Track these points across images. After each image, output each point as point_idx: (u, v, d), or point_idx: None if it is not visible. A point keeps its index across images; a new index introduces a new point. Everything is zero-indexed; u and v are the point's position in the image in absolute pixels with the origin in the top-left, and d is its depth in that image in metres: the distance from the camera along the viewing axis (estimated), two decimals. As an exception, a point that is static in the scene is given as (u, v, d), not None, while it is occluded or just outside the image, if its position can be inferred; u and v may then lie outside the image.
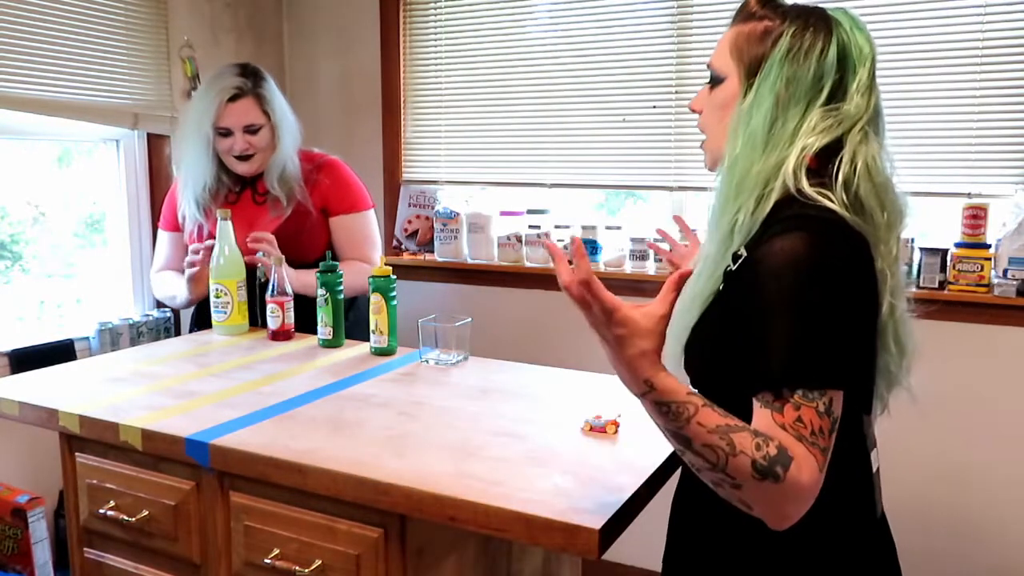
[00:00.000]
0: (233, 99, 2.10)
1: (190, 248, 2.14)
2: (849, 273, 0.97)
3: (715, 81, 1.12)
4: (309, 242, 2.21)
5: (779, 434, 0.93)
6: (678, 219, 1.64)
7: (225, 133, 2.13)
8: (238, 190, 2.24)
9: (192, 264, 2.11)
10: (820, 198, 0.99)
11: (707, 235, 1.10)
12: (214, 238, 2.10)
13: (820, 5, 1.09)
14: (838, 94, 1.03)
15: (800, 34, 1.03)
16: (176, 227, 2.29)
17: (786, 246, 0.96)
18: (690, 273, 1.02)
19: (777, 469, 0.91)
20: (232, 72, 2.14)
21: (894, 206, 1.05)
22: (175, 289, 2.23)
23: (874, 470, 1.13)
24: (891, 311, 1.05)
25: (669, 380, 0.94)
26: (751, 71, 1.06)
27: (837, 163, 1.02)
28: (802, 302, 0.94)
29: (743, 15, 1.10)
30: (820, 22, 1.04)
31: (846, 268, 0.97)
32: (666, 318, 0.95)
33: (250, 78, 2.13)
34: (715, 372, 1.07)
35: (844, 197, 1.01)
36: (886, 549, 1.14)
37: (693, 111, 1.17)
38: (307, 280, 2.08)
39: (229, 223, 2.05)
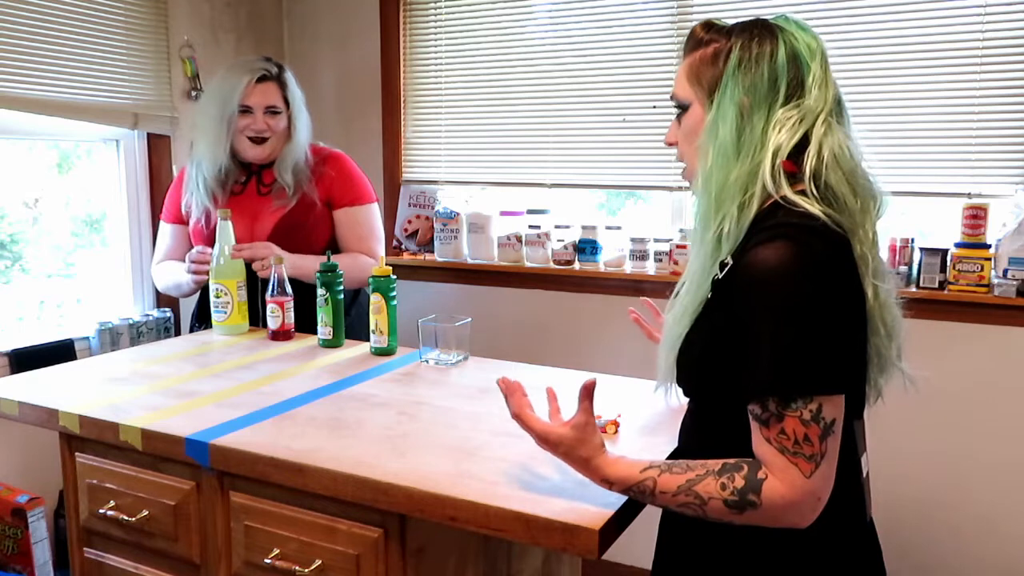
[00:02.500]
0: (260, 80, 2.17)
1: (188, 257, 2.15)
2: (831, 280, 0.98)
3: (681, 110, 1.14)
4: (312, 234, 2.23)
5: (763, 449, 0.98)
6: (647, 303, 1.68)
7: (246, 111, 2.17)
8: (244, 180, 2.25)
9: (196, 272, 2.13)
10: (804, 204, 1.01)
11: (691, 254, 1.12)
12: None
13: (760, 17, 1.11)
14: (796, 92, 1.05)
15: (748, 45, 1.06)
16: (178, 219, 2.29)
17: (768, 255, 0.97)
18: (594, 384, 1.08)
19: (749, 497, 0.97)
20: (256, 59, 2.24)
21: (865, 191, 1.06)
22: (179, 276, 2.22)
23: (864, 475, 1.13)
24: (875, 294, 1.06)
25: (620, 470, 1.06)
26: (711, 92, 1.08)
27: (805, 156, 1.03)
28: (783, 312, 0.96)
29: (692, 44, 1.13)
30: (764, 31, 1.07)
31: (828, 275, 0.98)
32: (590, 423, 1.07)
33: (274, 66, 2.22)
34: (707, 383, 1.09)
35: (815, 189, 1.02)
36: (873, 554, 1.15)
37: (668, 145, 1.19)
38: (302, 264, 2.12)
39: (229, 223, 2.06)
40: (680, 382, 1.13)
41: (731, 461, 1.00)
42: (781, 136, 1.03)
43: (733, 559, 1.09)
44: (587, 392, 1.08)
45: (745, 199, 1.03)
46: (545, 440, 1.10)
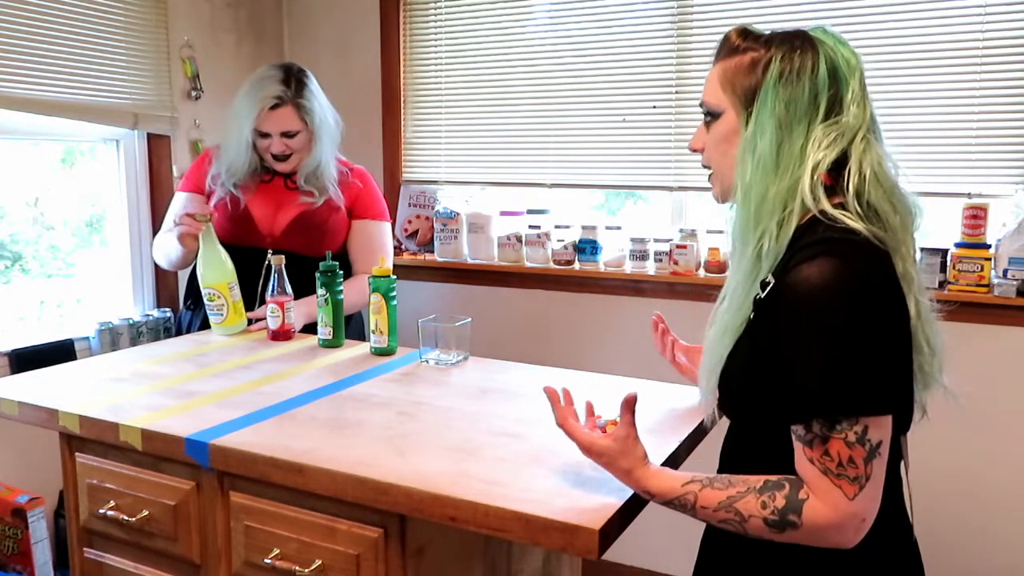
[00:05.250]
0: (273, 108, 2.15)
1: (190, 212, 2.08)
2: (876, 297, 0.97)
3: (711, 116, 1.13)
4: (329, 235, 2.24)
5: (806, 470, 0.97)
6: (659, 317, 1.61)
7: (264, 135, 2.18)
8: (274, 171, 2.26)
9: (183, 233, 2.04)
10: (844, 218, 1.00)
11: (731, 266, 1.11)
12: (246, 209, 2.18)
13: (799, 28, 1.10)
14: (835, 108, 1.04)
15: (789, 57, 1.05)
16: (198, 189, 2.27)
17: (813, 273, 0.96)
18: (636, 398, 1.09)
19: (790, 518, 0.96)
20: (276, 78, 2.16)
21: (905, 207, 1.06)
22: (168, 245, 2.19)
23: (908, 494, 1.13)
24: (918, 312, 1.07)
25: (662, 482, 1.06)
26: (747, 102, 1.07)
27: (846, 174, 1.03)
28: (828, 332, 0.95)
29: (727, 50, 1.11)
30: (805, 43, 1.06)
31: (872, 292, 0.97)
32: (631, 436, 1.08)
33: (292, 85, 2.16)
34: (751, 404, 1.08)
35: (857, 207, 1.02)
36: (917, 573, 1.14)
37: (694, 151, 1.18)
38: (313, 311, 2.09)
39: (211, 224, 2.03)
40: (722, 404, 1.12)
41: (773, 478, 0.99)
42: (820, 153, 1.02)
43: (777, 573, 1.09)
44: (628, 406, 1.08)
45: (784, 216, 1.02)
46: (588, 450, 1.11)
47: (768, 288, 1.01)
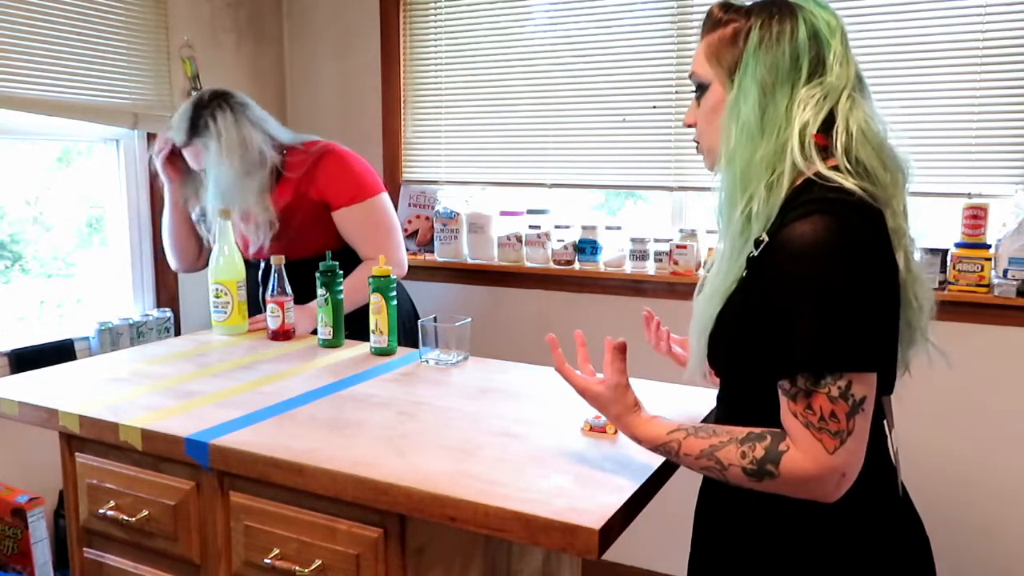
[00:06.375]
0: (183, 145, 2.12)
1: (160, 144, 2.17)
2: (867, 256, 0.98)
3: (700, 90, 1.15)
4: (309, 232, 2.17)
5: (790, 423, 0.99)
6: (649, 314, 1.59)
7: None
8: None
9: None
10: (838, 179, 1.01)
11: (720, 233, 1.13)
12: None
13: None
14: (818, 69, 1.05)
15: (768, 24, 1.06)
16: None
17: (806, 230, 0.98)
18: (625, 345, 1.15)
19: (768, 467, 0.99)
20: (180, 116, 2.10)
21: (895, 163, 1.07)
22: (166, 213, 2.29)
23: (893, 450, 1.14)
24: (908, 267, 1.08)
25: (650, 429, 1.12)
26: (731, 72, 1.09)
27: (834, 133, 1.04)
28: (819, 288, 0.96)
29: (710, 24, 1.13)
30: (784, 9, 1.08)
31: (864, 251, 0.98)
32: (622, 384, 1.15)
33: (193, 124, 2.07)
34: (741, 360, 1.09)
35: (847, 164, 1.03)
36: (913, 527, 1.16)
37: (687, 126, 1.20)
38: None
39: (229, 223, 2.06)
40: (712, 361, 1.13)
41: (756, 430, 1.02)
42: (806, 114, 1.04)
43: (768, 534, 1.10)
44: (620, 353, 1.14)
45: (773, 178, 1.03)
46: (583, 394, 1.19)
47: (762, 246, 1.02)
